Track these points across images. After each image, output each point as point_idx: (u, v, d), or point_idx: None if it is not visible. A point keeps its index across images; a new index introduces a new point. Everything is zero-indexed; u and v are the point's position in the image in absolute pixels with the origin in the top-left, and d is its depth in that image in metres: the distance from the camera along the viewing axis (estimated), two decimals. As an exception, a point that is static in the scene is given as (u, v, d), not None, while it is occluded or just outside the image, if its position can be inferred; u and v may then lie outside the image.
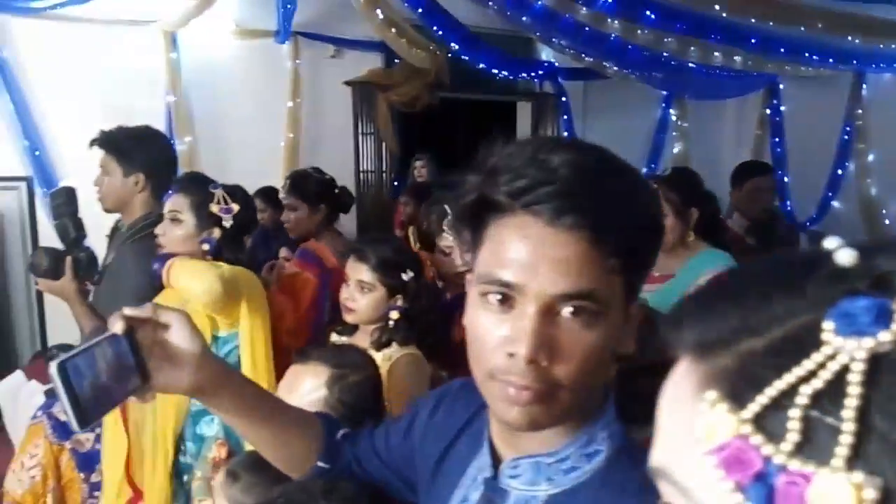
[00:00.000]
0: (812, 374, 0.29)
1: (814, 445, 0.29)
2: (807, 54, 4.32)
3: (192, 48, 4.31)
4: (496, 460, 0.78)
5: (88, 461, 2.12)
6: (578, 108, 5.68)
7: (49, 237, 3.07)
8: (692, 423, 0.32)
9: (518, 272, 0.65)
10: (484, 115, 6.20)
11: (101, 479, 2.05)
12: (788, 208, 5.28)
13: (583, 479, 0.72)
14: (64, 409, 0.72)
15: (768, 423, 0.30)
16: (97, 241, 2.31)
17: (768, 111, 5.67)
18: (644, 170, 5.34)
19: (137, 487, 1.84)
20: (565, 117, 5.55)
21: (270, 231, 3.50)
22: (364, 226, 4.76)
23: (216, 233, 1.90)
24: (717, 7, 3.62)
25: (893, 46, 4.21)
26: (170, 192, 1.95)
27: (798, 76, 5.30)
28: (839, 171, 5.21)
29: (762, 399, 0.30)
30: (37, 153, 3.96)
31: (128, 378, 0.78)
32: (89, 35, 3.98)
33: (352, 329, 1.82)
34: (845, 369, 0.29)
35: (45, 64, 3.95)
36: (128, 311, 0.80)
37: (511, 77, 5.30)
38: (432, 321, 1.82)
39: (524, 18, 3.99)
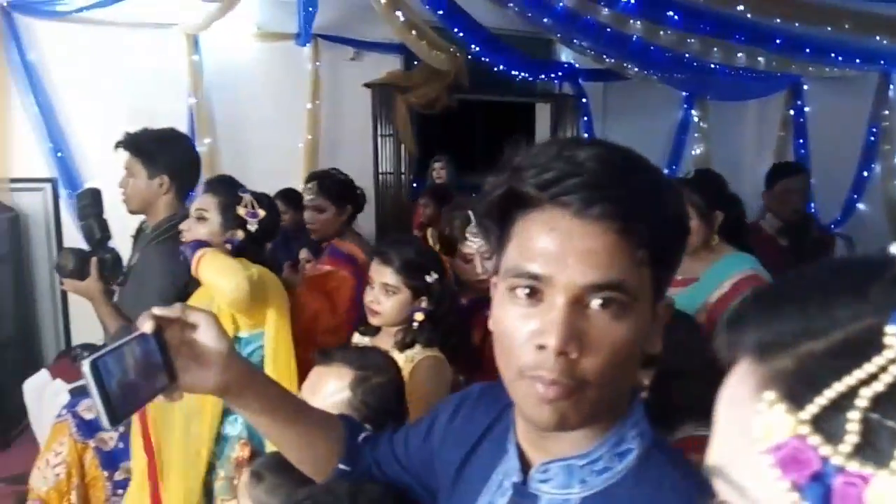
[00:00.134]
0: (873, 377, 0.30)
1: (873, 447, 0.29)
2: (832, 55, 4.27)
3: (213, 51, 4.36)
4: (524, 465, 0.77)
5: (112, 459, 2.14)
6: (598, 109, 5.64)
7: (74, 238, 3.12)
8: (750, 423, 0.33)
9: (546, 264, 0.65)
10: (503, 117, 6.19)
11: (124, 478, 2.07)
12: (812, 210, 5.21)
13: (616, 479, 0.71)
14: (95, 406, 0.73)
15: (827, 424, 0.30)
16: (122, 243, 2.33)
17: (792, 112, 5.61)
18: (665, 171, 5.28)
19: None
20: (585, 119, 5.51)
21: (291, 233, 3.51)
22: (383, 227, 4.78)
23: (240, 234, 1.92)
24: (741, 7, 3.59)
25: (921, 46, 4.15)
26: (196, 191, 1.97)
27: (822, 77, 5.24)
28: (864, 173, 5.15)
29: (821, 400, 0.30)
30: (61, 155, 4.02)
31: (155, 377, 0.79)
32: (113, 38, 4.04)
33: (374, 330, 1.82)
34: None
35: (69, 66, 4.01)
36: (157, 310, 0.81)
37: (531, 78, 5.29)
38: (454, 323, 1.81)
39: (545, 20, 3.98)
